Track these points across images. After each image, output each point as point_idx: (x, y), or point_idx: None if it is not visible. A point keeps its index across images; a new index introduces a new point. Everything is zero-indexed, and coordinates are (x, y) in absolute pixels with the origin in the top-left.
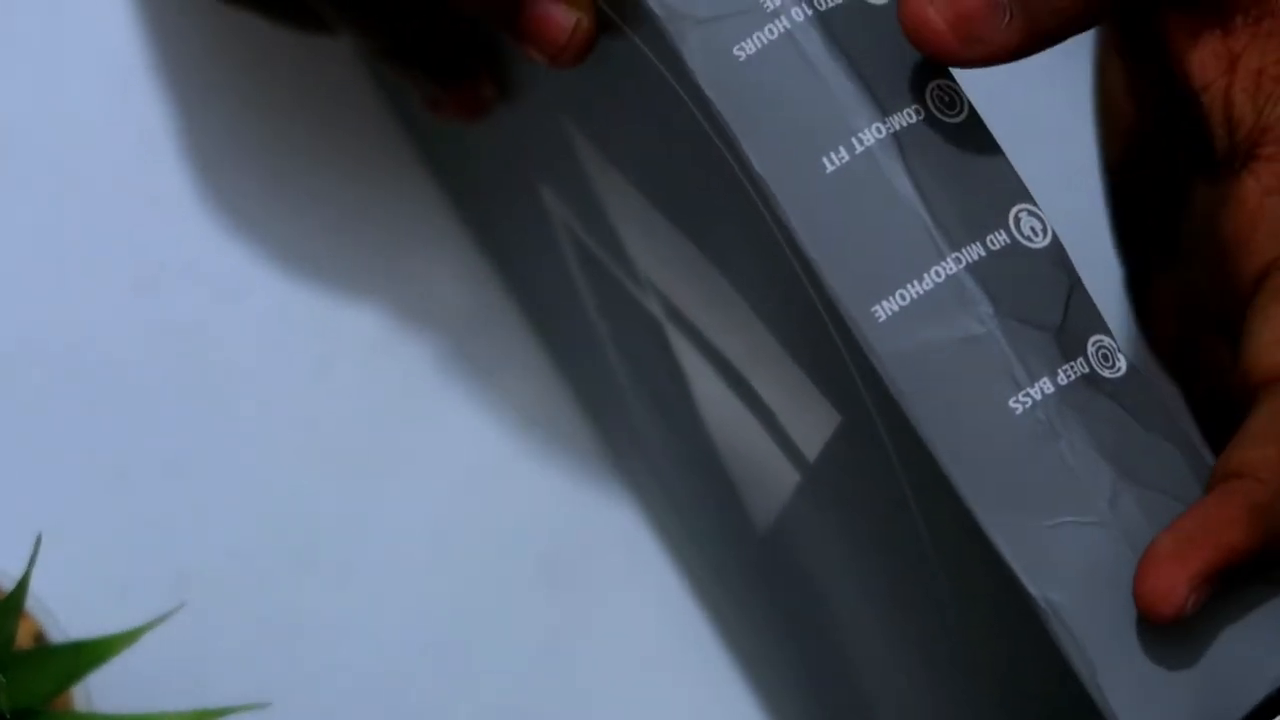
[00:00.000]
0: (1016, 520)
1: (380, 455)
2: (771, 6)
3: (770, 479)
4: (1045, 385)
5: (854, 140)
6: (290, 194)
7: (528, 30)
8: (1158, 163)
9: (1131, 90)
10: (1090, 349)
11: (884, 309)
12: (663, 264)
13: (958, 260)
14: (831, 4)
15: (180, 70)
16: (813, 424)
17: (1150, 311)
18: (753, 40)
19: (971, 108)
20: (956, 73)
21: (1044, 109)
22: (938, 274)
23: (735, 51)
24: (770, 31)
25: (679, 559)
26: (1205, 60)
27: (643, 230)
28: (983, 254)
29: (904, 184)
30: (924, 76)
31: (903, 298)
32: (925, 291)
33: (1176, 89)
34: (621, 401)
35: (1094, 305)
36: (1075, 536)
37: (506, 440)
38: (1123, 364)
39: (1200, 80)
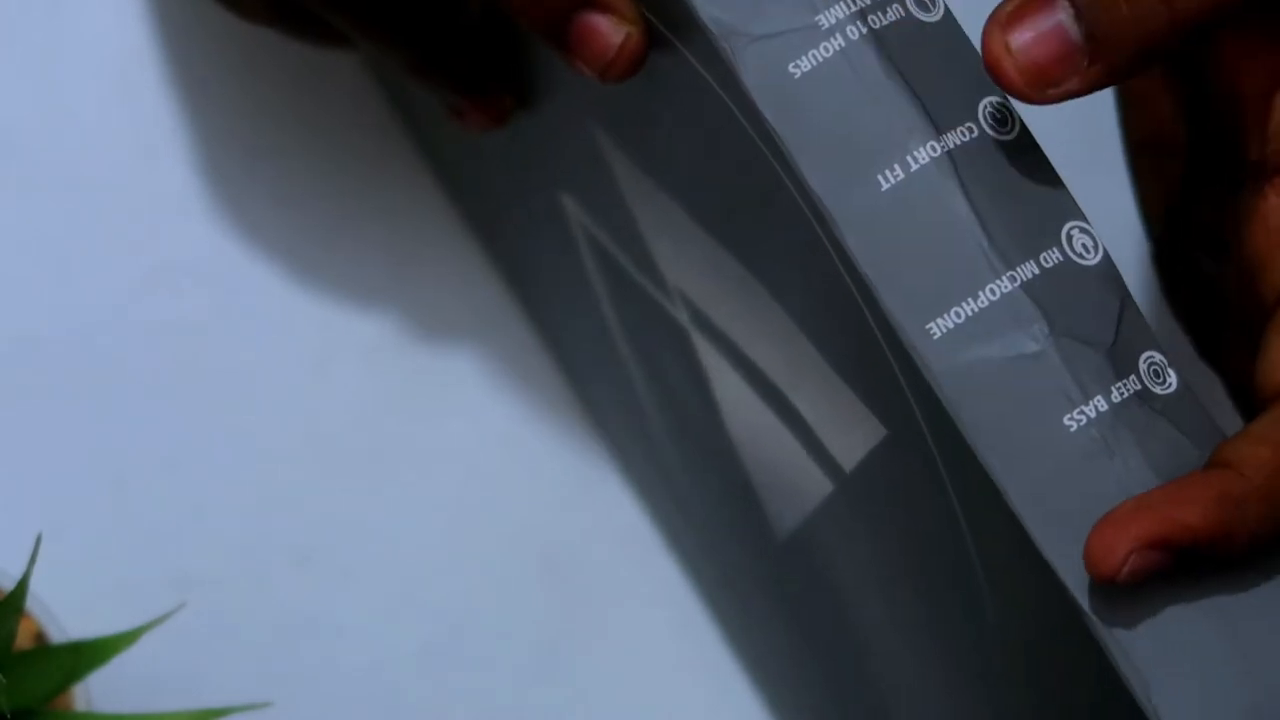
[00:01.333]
0: (1071, 536)
1: (381, 455)
2: (826, 25)
3: (800, 488)
4: (1099, 403)
5: (909, 158)
6: (290, 195)
7: (575, 45)
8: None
9: (1160, 92)
10: (1142, 366)
11: (939, 326)
12: (697, 274)
13: (1013, 279)
14: (885, 22)
15: (182, 71)
16: (853, 436)
17: (1181, 300)
18: (808, 58)
19: (1023, 124)
20: None
21: (1090, 122)
22: (992, 291)
23: (790, 69)
24: (825, 49)
25: (684, 562)
26: (1252, 71)
27: (675, 239)
28: (1037, 272)
29: (959, 202)
30: (977, 94)
31: (957, 315)
32: (980, 309)
33: (1211, 97)
34: (630, 404)
35: (1145, 321)
36: None
37: (509, 441)
38: (1174, 380)
39: (1243, 89)
